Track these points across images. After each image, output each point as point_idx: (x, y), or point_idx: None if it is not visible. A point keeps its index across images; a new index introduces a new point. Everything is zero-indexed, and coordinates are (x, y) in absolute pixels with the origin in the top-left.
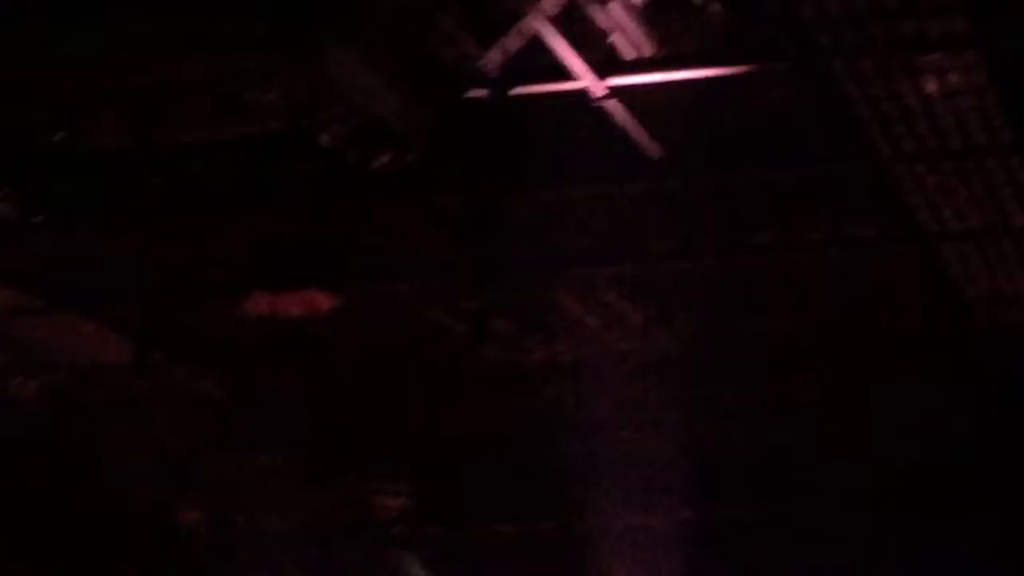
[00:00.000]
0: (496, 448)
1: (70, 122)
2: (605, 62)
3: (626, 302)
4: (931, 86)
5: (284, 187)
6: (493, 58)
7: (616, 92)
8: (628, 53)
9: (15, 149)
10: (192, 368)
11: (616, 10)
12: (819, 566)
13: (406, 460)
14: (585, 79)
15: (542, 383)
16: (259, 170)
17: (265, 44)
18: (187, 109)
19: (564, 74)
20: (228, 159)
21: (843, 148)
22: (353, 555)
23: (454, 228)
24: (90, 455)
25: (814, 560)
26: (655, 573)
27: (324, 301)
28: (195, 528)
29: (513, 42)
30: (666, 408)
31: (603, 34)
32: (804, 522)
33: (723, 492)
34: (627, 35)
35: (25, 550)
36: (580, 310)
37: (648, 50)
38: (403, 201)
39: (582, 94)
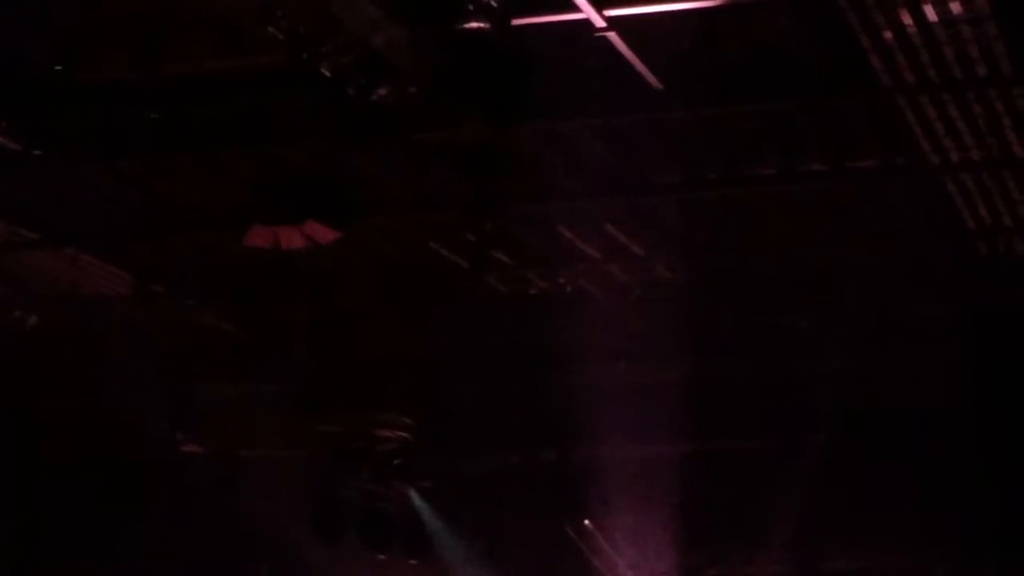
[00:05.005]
0: (497, 379)
1: (71, 54)
2: None
3: (626, 233)
4: (932, 15)
5: (284, 120)
6: None
7: (617, 23)
8: None
9: (15, 81)
10: (192, 301)
11: None
12: (818, 496)
13: (407, 392)
14: (586, 10)
15: (542, 314)
16: (259, 103)
17: None
18: (187, 42)
19: (565, 5)
20: (228, 92)
21: (845, 79)
22: (354, 487)
23: (454, 160)
24: (90, 388)
25: (814, 490)
26: (655, 504)
27: (324, 234)
28: (196, 460)
29: None
30: (666, 339)
31: None
32: (804, 453)
33: (723, 423)
34: None
35: (27, 480)
36: (580, 242)
37: None
38: (403, 133)
39: (583, 25)
